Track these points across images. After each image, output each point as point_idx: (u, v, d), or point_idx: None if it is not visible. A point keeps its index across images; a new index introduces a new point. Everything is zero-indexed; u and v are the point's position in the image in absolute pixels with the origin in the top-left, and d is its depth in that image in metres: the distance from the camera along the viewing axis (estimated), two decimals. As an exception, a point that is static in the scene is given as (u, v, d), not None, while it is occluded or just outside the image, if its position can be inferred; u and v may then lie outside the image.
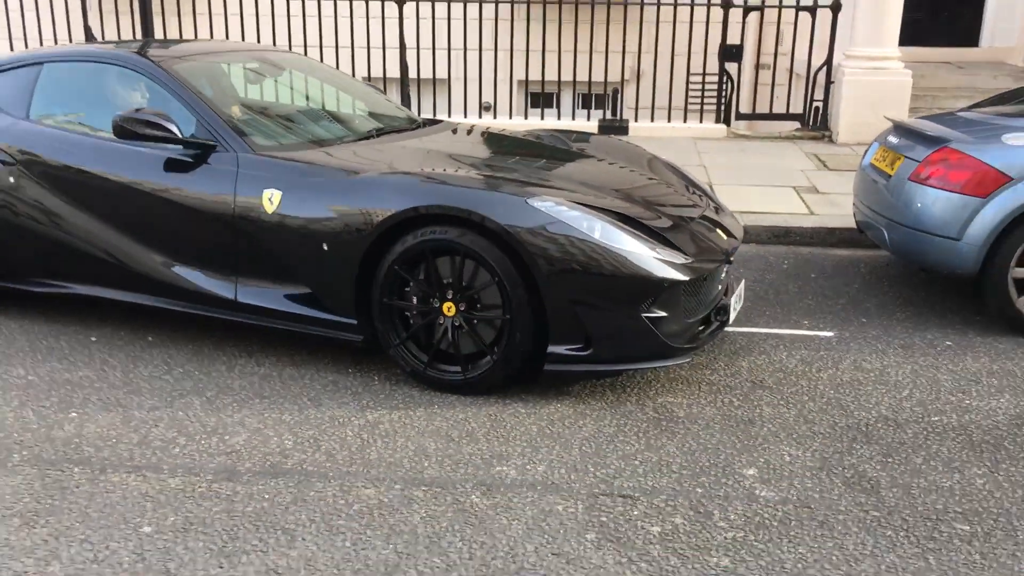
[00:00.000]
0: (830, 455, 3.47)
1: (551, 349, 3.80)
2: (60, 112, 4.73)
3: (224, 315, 4.25)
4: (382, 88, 10.07)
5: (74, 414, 3.72)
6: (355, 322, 4.02)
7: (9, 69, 4.88)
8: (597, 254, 3.70)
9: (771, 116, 9.90)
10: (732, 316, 4.26)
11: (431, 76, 10.09)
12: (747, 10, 9.31)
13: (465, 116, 9.66)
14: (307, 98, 5.50)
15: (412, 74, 9.95)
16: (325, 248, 3.96)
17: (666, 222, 4.09)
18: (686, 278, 3.82)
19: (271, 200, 4.05)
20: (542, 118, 9.77)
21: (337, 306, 4.04)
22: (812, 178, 7.90)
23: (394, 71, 9.88)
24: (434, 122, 5.48)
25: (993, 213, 4.64)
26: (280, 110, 5.20)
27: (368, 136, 4.83)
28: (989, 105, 6.03)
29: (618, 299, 3.74)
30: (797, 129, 9.68)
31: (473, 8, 9.56)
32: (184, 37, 9.98)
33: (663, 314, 3.80)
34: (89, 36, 10.09)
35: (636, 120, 9.79)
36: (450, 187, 3.84)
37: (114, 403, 3.82)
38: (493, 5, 9.63)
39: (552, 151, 4.90)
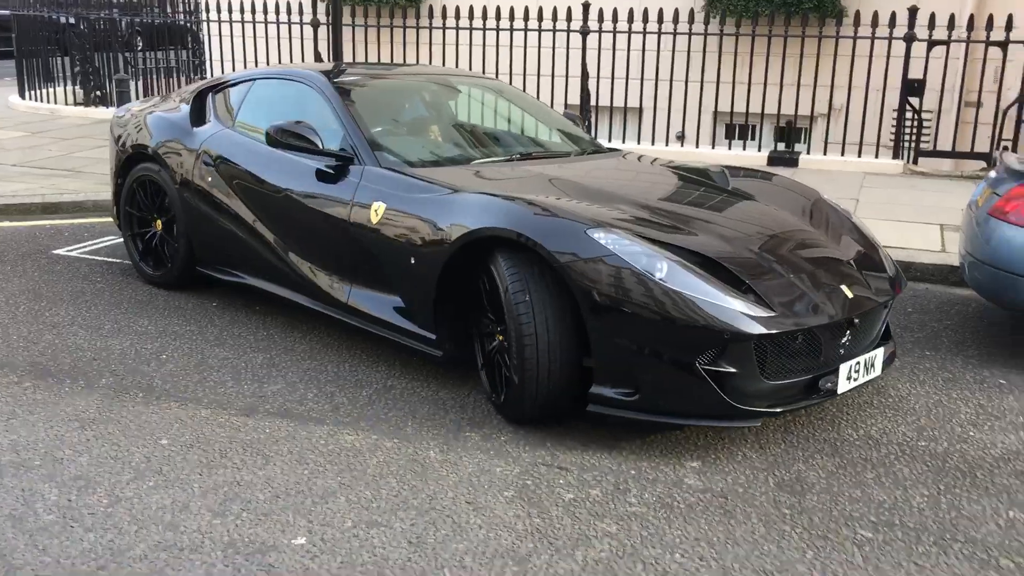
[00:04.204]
0: (784, 460, 3.58)
1: (594, 389, 3.56)
2: (254, 121, 5.23)
3: (337, 315, 4.54)
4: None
5: (164, 356, 4.54)
6: (434, 337, 4.10)
7: (235, 84, 5.62)
8: (653, 293, 3.41)
9: (954, 154, 9.46)
10: (843, 386, 3.71)
11: (618, 104, 10.53)
12: (931, 44, 9.00)
13: (654, 144, 10.07)
14: (470, 120, 5.66)
15: (602, 102, 10.43)
16: (412, 261, 4.09)
17: (763, 269, 3.71)
18: (759, 332, 3.41)
19: (376, 211, 4.27)
20: (729, 148, 9.94)
21: (422, 319, 4.14)
22: (969, 218, 7.55)
23: (576, 98, 10.45)
24: (603, 151, 5.42)
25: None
26: (432, 130, 5.28)
27: (509, 159, 4.89)
28: None
29: (673, 346, 3.43)
30: (982, 169, 9.20)
31: (667, 39, 9.88)
32: (406, 62, 11.06)
33: (731, 369, 3.43)
34: (318, 59, 11.48)
35: (808, 153, 9.71)
36: (516, 209, 3.75)
37: (198, 352, 4.61)
38: (673, 36, 9.93)
39: (687, 183, 4.73)
